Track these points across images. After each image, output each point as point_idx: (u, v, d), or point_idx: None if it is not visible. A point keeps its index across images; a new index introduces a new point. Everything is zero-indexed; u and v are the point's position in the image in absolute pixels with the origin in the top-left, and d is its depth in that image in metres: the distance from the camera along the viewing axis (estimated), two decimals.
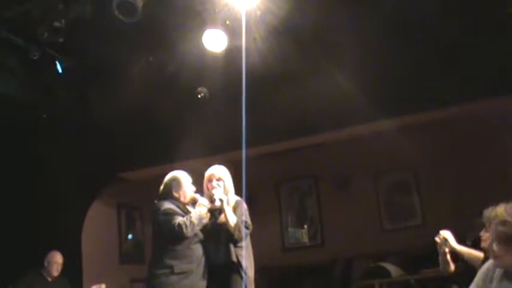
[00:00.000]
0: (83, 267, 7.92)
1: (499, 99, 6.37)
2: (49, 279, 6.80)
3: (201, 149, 7.13)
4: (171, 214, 4.82)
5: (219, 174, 5.05)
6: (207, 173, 5.09)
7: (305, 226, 9.55)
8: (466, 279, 3.40)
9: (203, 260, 4.90)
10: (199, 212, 4.87)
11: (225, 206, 4.87)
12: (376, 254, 8.42)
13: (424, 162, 8.41)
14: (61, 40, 5.83)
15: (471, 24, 5.82)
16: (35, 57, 6.07)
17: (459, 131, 7.95)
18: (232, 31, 5.91)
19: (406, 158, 8.41)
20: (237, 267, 4.80)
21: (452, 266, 4.24)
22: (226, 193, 4.98)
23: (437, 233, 4.40)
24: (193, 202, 5.04)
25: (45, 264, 6.78)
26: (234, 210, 4.95)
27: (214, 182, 5.00)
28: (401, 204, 8.88)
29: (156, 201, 5.01)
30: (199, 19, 5.86)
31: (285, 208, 9.78)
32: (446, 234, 4.33)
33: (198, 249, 4.90)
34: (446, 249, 4.22)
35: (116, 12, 5.25)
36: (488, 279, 3.13)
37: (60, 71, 6.45)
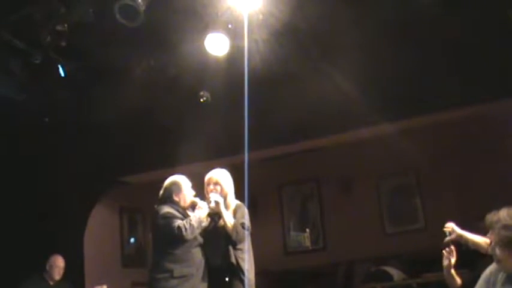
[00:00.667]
0: (85, 270, 7.93)
1: (501, 102, 6.36)
2: (51, 282, 6.80)
3: (203, 153, 7.13)
4: (170, 218, 4.84)
5: (216, 178, 5.07)
6: (206, 177, 5.12)
7: (307, 230, 9.53)
8: None
9: (203, 263, 4.92)
10: (199, 215, 4.89)
11: (222, 208, 4.88)
12: (379, 258, 8.40)
13: (426, 165, 8.39)
14: (63, 44, 5.84)
15: (473, 26, 5.81)
16: (37, 61, 6.08)
17: (461, 134, 7.94)
18: (235, 34, 5.91)
19: (408, 161, 8.40)
20: (236, 270, 4.81)
21: (458, 281, 4.22)
22: (224, 196, 4.99)
23: (440, 236, 4.39)
24: (193, 206, 5.05)
25: (47, 268, 6.78)
26: (234, 213, 4.96)
27: (212, 186, 5.02)
28: (404, 207, 8.86)
29: (155, 206, 5.03)
30: (202, 22, 5.87)
31: (287, 212, 9.76)
32: (452, 224, 4.34)
33: (197, 253, 4.91)
34: (452, 261, 4.20)
35: (118, 17, 5.25)
36: (491, 282, 3.12)
37: (62, 74, 6.45)
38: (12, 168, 7.33)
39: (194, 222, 4.81)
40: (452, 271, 4.20)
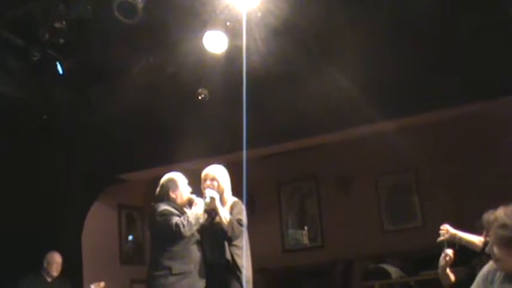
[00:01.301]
0: (84, 268, 7.93)
1: (500, 100, 6.36)
2: (49, 279, 6.81)
3: (202, 150, 7.13)
4: (168, 215, 4.85)
5: (213, 174, 5.08)
6: (203, 173, 5.13)
7: (305, 227, 9.53)
8: (467, 286, 3.40)
9: (201, 260, 4.92)
10: (196, 212, 4.90)
11: (217, 204, 4.88)
12: (377, 256, 8.41)
13: (425, 163, 8.39)
14: (62, 41, 5.84)
15: (472, 24, 5.81)
16: (35, 58, 6.08)
17: (460, 132, 7.93)
18: (233, 32, 5.91)
19: (407, 159, 8.39)
20: (232, 266, 4.82)
21: (452, 278, 4.25)
22: (221, 192, 5.00)
23: (438, 234, 4.41)
24: (190, 203, 5.06)
25: (45, 264, 6.79)
26: (230, 209, 4.97)
27: (208, 182, 5.03)
28: (402, 205, 8.85)
29: (153, 204, 5.04)
30: (200, 20, 5.87)
31: (285, 209, 9.75)
32: (447, 226, 4.37)
33: (195, 250, 4.92)
34: (448, 260, 4.23)
35: (116, 13, 5.25)
36: (489, 281, 3.12)
37: (60, 71, 6.45)
38: (11, 166, 7.32)
39: (192, 219, 4.82)
40: (447, 270, 4.22)
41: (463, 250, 4.36)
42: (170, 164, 6.95)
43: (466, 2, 5.82)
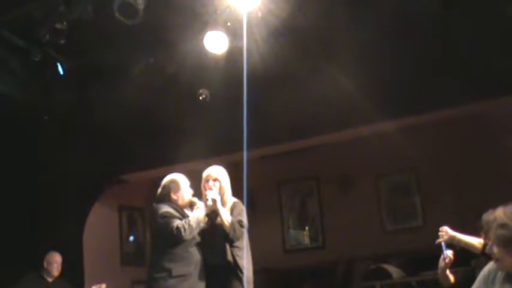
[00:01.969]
0: (85, 269, 7.92)
1: (501, 100, 6.36)
2: (49, 280, 6.81)
3: (202, 151, 7.12)
4: (169, 217, 4.83)
5: (216, 175, 5.06)
6: (204, 174, 5.11)
7: (306, 228, 9.54)
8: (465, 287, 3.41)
9: (201, 262, 4.91)
10: (197, 215, 4.88)
11: (219, 206, 4.87)
12: (378, 256, 8.41)
13: (425, 163, 8.39)
14: (62, 41, 5.84)
15: (472, 24, 5.81)
16: (36, 59, 6.08)
17: (461, 132, 7.94)
18: (234, 33, 5.91)
19: (408, 160, 8.40)
20: (234, 267, 4.81)
21: (451, 279, 4.25)
22: (222, 193, 4.99)
23: (439, 235, 4.41)
24: (191, 205, 5.04)
25: (45, 265, 6.79)
26: (231, 210, 4.96)
27: (211, 183, 5.02)
28: (403, 205, 8.86)
29: (154, 204, 5.03)
30: (201, 21, 5.87)
31: (286, 210, 9.76)
32: (446, 228, 4.37)
33: (195, 252, 4.91)
34: (448, 262, 4.23)
35: (117, 14, 5.26)
36: (490, 281, 3.12)
37: (61, 72, 6.45)
38: (11, 166, 7.33)
39: (193, 223, 4.80)
40: (447, 271, 4.22)
41: (462, 251, 4.36)
42: (171, 164, 6.94)
43: (466, 2, 5.82)
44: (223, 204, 4.96)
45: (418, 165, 8.62)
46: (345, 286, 8.69)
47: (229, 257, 4.83)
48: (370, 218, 8.92)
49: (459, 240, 4.30)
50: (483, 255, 3.52)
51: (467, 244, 4.26)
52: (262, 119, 6.59)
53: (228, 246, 4.86)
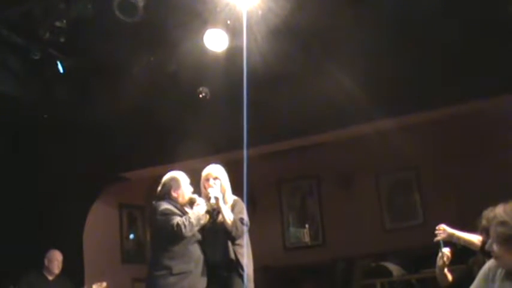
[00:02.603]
0: (85, 267, 7.93)
1: (501, 98, 6.36)
2: (50, 277, 6.82)
3: (203, 149, 7.13)
4: (169, 214, 4.84)
5: (216, 174, 5.07)
6: (204, 172, 5.12)
7: (306, 226, 9.54)
8: (463, 285, 3.41)
9: (202, 259, 4.91)
10: (198, 212, 4.88)
11: (221, 204, 4.88)
12: (378, 254, 8.41)
13: (426, 161, 8.40)
14: (62, 40, 5.84)
15: (472, 22, 5.81)
16: (36, 57, 6.08)
17: (461, 129, 7.94)
18: (234, 31, 5.91)
19: (408, 157, 8.40)
20: (235, 265, 4.83)
21: (449, 278, 4.26)
22: (223, 192, 5.00)
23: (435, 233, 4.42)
24: (191, 203, 5.04)
25: (46, 263, 6.81)
26: (232, 208, 4.97)
27: (211, 181, 5.02)
28: (403, 203, 8.87)
29: (154, 202, 5.03)
30: (201, 19, 5.87)
31: (287, 208, 9.76)
32: (443, 226, 4.37)
33: (196, 250, 4.91)
34: (446, 261, 4.23)
35: (117, 12, 5.26)
36: (490, 279, 3.12)
37: (61, 70, 6.45)
38: (12, 164, 7.33)
39: (193, 220, 4.80)
40: (445, 270, 4.23)
41: (459, 249, 4.36)
42: (171, 162, 6.95)
43: (466, 0, 5.82)
44: (223, 202, 4.97)
45: (418, 163, 8.62)
46: (345, 284, 8.69)
47: (231, 255, 4.84)
48: (371, 216, 8.92)
49: (458, 238, 4.30)
50: (482, 253, 3.52)
51: (466, 241, 4.26)
52: (262, 117, 6.59)
53: (229, 244, 4.87)
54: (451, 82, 6.10)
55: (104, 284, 6.89)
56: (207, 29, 5.93)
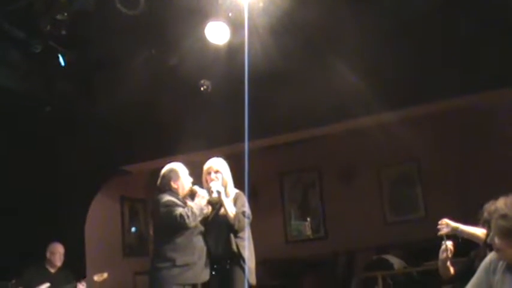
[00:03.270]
0: (87, 260, 7.95)
1: (502, 91, 6.35)
2: (52, 270, 6.83)
3: (204, 142, 7.13)
4: (172, 206, 4.85)
5: (217, 167, 5.08)
6: (206, 166, 5.13)
7: (308, 219, 9.55)
8: (465, 278, 3.41)
9: (205, 251, 4.93)
10: (200, 203, 4.89)
11: (223, 198, 4.90)
12: (379, 247, 8.43)
13: (427, 154, 8.40)
14: (63, 33, 5.82)
15: (473, 16, 5.79)
16: (37, 50, 6.07)
17: (462, 123, 7.94)
18: (235, 23, 5.89)
19: (410, 151, 8.40)
20: (237, 258, 4.84)
21: (451, 270, 4.25)
22: (224, 185, 5.02)
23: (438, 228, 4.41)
24: (192, 194, 5.05)
25: (48, 255, 6.82)
26: (234, 202, 4.98)
27: (213, 175, 5.03)
28: (405, 196, 8.88)
29: (155, 194, 5.04)
30: (202, 11, 5.85)
31: (288, 201, 9.78)
32: (446, 220, 4.36)
33: (199, 241, 4.93)
34: (449, 254, 4.23)
35: (118, 5, 5.25)
36: (491, 271, 3.13)
37: (62, 63, 6.44)
38: (13, 158, 7.33)
39: (196, 210, 4.82)
40: (448, 263, 4.22)
41: (462, 242, 4.35)
42: (172, 155, 6.94)
43: None
44: (225, 195, 4.98)
45: (420, 156, 8.63)
46: (347, 277, 8.71)
47: (233, 248, 4.86)
48: (372, 209, 8.93)
49: (462, 231, 4.29)
50: (486, 246, 3.51)
51: (470, 235, 4.25)
52: (264, 110, 6.59)
53: (232, 237, 4.88)
54: (453, 75, 6.09)
55: (105, 274, 6.91)
56: (208, 22, 5.92)
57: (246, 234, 4.94)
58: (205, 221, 4.99)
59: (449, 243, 4.24)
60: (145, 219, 9.47)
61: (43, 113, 7.21)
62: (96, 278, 6.90)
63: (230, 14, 5.86)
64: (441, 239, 4.27)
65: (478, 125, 7.84)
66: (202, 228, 4.97)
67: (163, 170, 5.14)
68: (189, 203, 4.96)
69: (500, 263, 3.09)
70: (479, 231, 4.11)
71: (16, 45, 6.16)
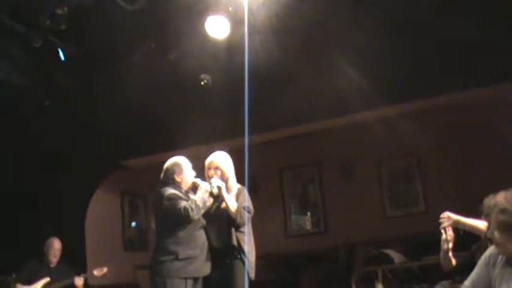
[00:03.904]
0: (87, 254, 7.97)
1: (502, 85, 6.35)
2: (51, 265, 6.87)
3: (204, 136, 7.13)
4: (175, 199, 4.86)
5: (217, 162, 5.09)
6: (207, 161, 5.15)
7: (308, 213, 9.56)
8: (466, 270, 3.41)
9: (206, 245, 4.95)
10: (203, 196, 4.90)
11: (224, 193, 4.90)
12: (379, 241, 8.43)
13: (427, 148, 8.39)
14: (63, 27, 5.81)
15: (474, 10, 5.78)
16: (37, 45, 6.05)
17: (462, 117, 7.93)
18: (235, 18, 5.88)
19: (409, 145, 8.40)
20: (238, 252, 4.86)
21: (453, 262, 4.25)
22: (225, 180, 5.01)
23: (439, 220, 4.41)
24: (195, 188, 5.05)
25: (45, 250, 6.85)
26: (236, 197, 4.99)
27: (212, 171, 5.03)
28: (404, 191, 8.88)
29: (158, 188, 5.03)
30: (202, 5, 5.84)
31: (288, 195, 9.78)
32: (447, 213, 4.36)
33: (201, 235, 4.94)
34: (450, 244, 4.23)
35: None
36: (490, 265, 3.14)
37: (62, 58, 6.43)
38: (13, 153, 7.33)
39: (199, 203, 4.83)
40: (450, 254, 4.23)
41: (463, 235, 4.36)
42: (173, 150, 6.93)
43: None
44: (227, 190, 4.99)
45: (420, 151, 8.62)
46: (347, 271, 8.71)
47: (234, 242, 4.88)
48: (372, 203, 8.93)
49: (464, 224, 4.28)
50: (488, 238, 3.52)
51: (471, 227, 4.24)
52: (264, 104, 6.59)
53: (233, 231, 4.90)
54: (453, 70, 6.09)
55: (105, 269, 6.95)
56: (208, 16, 5.91)
57: (247, 228, 4.95)
58: (206, 214, 5.00)
59: (450, 232, 4.24)
60: (145, 213, 9.49)
61: (43, 107, 7.21)
62: (96, 272, 6.93)
63: (230, 9, 5.85)
64: (441, 232, 4.27)
65: (479, 119, 7.83)
66: (204, 222, 4.98)
67: (167, 164, 5.13)
68: (192, 196, 4.97)
69: (500, 257, 3.10)
70: (481, 224, 4.10)
71: (16, 40, 6.15)
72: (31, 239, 7.02)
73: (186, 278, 4.82)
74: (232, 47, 6.07)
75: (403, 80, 6.39)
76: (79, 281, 6.81)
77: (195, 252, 4.85)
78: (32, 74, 6.62)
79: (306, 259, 9.02)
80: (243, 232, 4.92)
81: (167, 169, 5.11)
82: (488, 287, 3.12)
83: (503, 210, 2.97)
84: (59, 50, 6.38)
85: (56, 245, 6.90)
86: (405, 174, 8.91)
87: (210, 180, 5.01)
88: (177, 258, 4.79)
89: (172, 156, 5.29)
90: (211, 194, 4.97)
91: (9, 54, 6.25)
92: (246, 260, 4.85)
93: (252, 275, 4.90)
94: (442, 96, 6.63)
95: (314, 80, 6.60)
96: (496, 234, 3.01)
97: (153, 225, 5.20)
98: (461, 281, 3.42)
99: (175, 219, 4.81)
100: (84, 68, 6.89)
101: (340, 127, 7.98)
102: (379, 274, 7.76)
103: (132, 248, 9.21)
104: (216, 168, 5.06)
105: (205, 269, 4.93)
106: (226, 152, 5.24)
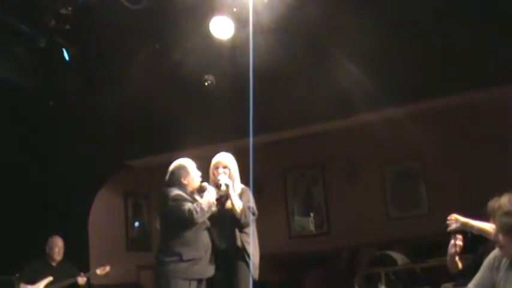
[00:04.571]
0: (90, 254, 7.98)
1: (507, 87, 6.33)
2: (53, 264, 6.88)
3: (208, 137, 7.13)
4: (180, 200, 4.84)
5: (226, 162, 5.08)
6: (214, 160, 5.12)
7: (311, 214, 9.54)
8: (473, 274, 3.40)
9: (210, 246, 4.94)
10: (209, 199, 4.88)
11: (231, 191, 4.90)
12: (383, 243, 8.41)
13: (431, 151, 8.37)
14: (68, 27, 5.82)
15: (475, 12, 5.77)
16: (41, 45, 6.07)
17: (467, 120, 7.91)
18: (240, 18, 5.88)
19: (413, 147, 8.38)
20: (242, 252, 4.85)
21: (460, 265, 4.24)
22: (232, 180, 5.00)
23: (443, 222, 4.39)
24: (201, 190, 5.04)
25: (47, 250, 6.87)
26: (240, 197, 4.98)
27: (221, 169, 5.03)
28: (408, 192, 8.85)
29: (164, 188, 5.01)
30: (206, 6, 5.84)
31: (292, 196, 9.76)
32: (455, 215, 4.34)
33: (205, 236, 4.93)
34: (458, 249, 4.21)
35: (122, 0, 5.24)
36: (494, 268, 3.13)
37: (67, 58, 6.44)
38: (17, 153, 7.35)
39: (204, 206, 4.81)
40: (456, 258, 4.22)
41: (470, 237, 4.34)
42: (176, 150, 6.94)
43: None
44: (233, 190, 4.98)
45: (424, 153, 8.60)
46: (350, 273, 8.70)
47: (238, 243, 4.88)
48: (375, 205, 8.91)
49: (472, 227, 4.26)
50: (495, 241, 3.50)
51: (480, 230, 4.22)
52: (268, 105, 6.58)
53: (237, 232, 4.90)
54: (457, 72, 6.08)
55: (107, 268, 6.96)
56: (212, 17, 5.91)
57: (251, 229, 4.94)
58: (211, 215, 4.97)
59: (458, 239, 4.22)
60: (148, 214, 9.49)
61: (47, 107, 7.22)
62: (98, 271, 6.95)
63: (234, 9, 5.85)
64: (447, 234, 4.26)
65: (483, 122, 7.81)
66: (208, 223, 4.97)
67: (172, 167, 5.10)
68: (198, 198, 4.96)
69: (504, 260, 3.09)
70: (489, 226, 4.08)
71: (20, 40, 6.16)
72: (35, 239, 7.02)
73: (190, 279, 4.81)
74: (236, 47, 6.07)
75: (406, 82, 6.38)
76: (81, 280, 6.82)
77: (199, 254, 4.85)
78: (37, 74, 6.63)
79: (309, 260, 9.01)
80: (246, 233, 4.92)
81: (173, 172, 5.08)
82: None
83: (507, 213, 2.96)
84: (64, 50, 6.39)
85: (59, 242, 6.92)
86: (409, 176, 8.88)
87: (216, 178, 5.00)
88: (181, 260, 4.79)
89: (175, 157, 5.28)
90: (217, 199, 4.95)
91: (13, 54, 6.26)
92: (249, 261, 4.84)
93: (256, 276, 4.90)
94: (447, 98, 6.62)
95: (318, 81, 6.60)
96: (500, 237, 3.01)
97: (157, 226, 5.18)
98: (465, 284, 3.41)
99: (180, 220, 4.80)
100: (88, 69, 6.90)
101: (344, 128, 7.97)
102: (382, 276, 7.75)
103: (135, 248, 9.21)
104: (225, 167, 5.06)
105: (209, 270, 4.92)
106: (231, 153, 5.23)
